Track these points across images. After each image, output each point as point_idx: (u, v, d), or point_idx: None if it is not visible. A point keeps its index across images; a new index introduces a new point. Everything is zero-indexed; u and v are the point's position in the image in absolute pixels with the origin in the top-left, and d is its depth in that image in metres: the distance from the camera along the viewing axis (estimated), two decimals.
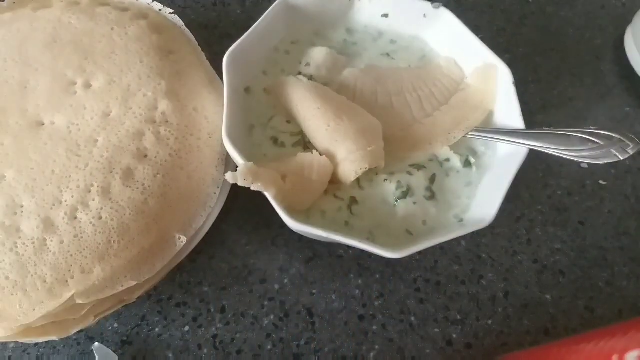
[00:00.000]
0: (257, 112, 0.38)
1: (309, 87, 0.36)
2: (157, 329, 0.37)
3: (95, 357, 0.35)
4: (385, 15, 0.43)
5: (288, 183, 0.33)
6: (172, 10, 0.43)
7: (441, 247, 0.41)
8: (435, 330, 0.39)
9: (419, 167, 0.37)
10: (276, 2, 0.39)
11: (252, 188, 0.31)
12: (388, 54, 0.43)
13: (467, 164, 0.38)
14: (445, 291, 0.40)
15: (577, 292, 0.41)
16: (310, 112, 0.35)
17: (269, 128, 0.37)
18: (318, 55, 0.40)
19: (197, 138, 0.37)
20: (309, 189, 0.34)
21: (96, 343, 0.35)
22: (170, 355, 0.37)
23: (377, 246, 0.31)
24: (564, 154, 0.34)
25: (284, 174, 0.33)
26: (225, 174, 0.31)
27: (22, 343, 0.36)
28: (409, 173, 0.36)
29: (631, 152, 0.32)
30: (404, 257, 0.31)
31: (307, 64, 0.40)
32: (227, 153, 0.35)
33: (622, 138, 0.32)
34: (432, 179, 0.37)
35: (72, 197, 0.32)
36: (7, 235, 0.31)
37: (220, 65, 0.35)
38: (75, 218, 0.32)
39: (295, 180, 0.33)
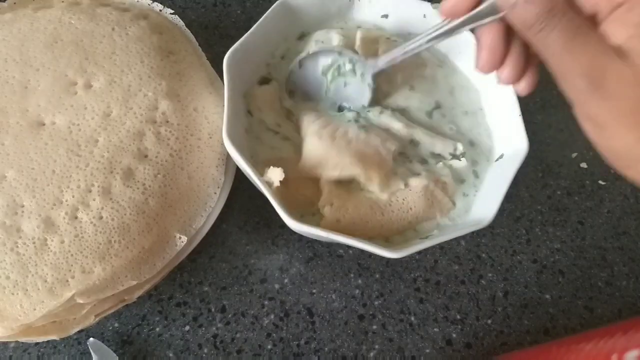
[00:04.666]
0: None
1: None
2: (157, 329, 0.38)
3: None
4: (385, 16, 0.43)
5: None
6: (172, 11, 0.43)
7: (441, 247, 0.42)
8: (435, 329, 0.39)
9: None
10: (276, 3, 0.39)
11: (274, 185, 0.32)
12: None
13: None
14: (445, 291, 0.40)
15: (576, 292, 0.41)
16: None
17: (267, 127, 0.38)
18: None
19: (198, 138, 0.37)
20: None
21: (91, 339, 0.35)
22: (171, 354, 0.37)
23: (377, 246, 0.31)
24: None
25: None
26: (267, 180, 0.32)
27: (22, 343, 0.36)
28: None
29: None
30: (403, 257, 0.31)
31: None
32: (227, 153, 0.35)
33: None
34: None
35: (73, 197, 0.32)
36: (8, 235, 0.31)
37: (220, 65, 0.35)
38: (76, 218, 0.32)
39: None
